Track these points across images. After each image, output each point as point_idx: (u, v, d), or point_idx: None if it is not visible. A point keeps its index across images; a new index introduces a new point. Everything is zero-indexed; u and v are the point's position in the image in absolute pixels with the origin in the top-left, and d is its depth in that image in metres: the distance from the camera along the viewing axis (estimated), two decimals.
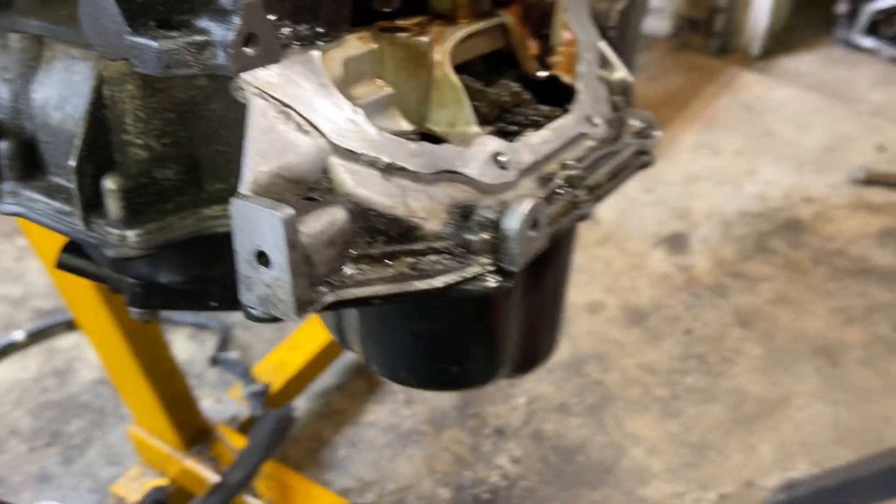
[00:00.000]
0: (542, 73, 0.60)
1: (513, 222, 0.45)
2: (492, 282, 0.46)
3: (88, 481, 1.94)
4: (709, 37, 3.39)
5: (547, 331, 0.66)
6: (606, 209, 2.71)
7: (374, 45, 0.52)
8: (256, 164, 0.41)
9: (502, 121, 0.59)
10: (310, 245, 0.41)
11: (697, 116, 3.20)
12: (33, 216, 0.53)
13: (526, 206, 0.45)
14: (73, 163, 0.48)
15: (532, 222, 0.46)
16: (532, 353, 0.66)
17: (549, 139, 0.56)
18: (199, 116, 0.50)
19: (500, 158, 0.52)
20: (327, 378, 2.19)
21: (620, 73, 0.67)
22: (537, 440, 2.00)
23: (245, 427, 1.78)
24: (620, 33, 0.69)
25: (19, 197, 0.54)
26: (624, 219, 2.69)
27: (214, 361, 2.08)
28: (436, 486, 1.91)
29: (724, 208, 2.71)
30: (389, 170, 0.46)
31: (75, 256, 0.61)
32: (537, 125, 0.59)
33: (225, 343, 2.22)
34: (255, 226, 0.39)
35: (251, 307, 0.43)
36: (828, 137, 3.05)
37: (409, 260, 0.46)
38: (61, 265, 0.62)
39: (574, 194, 0.53)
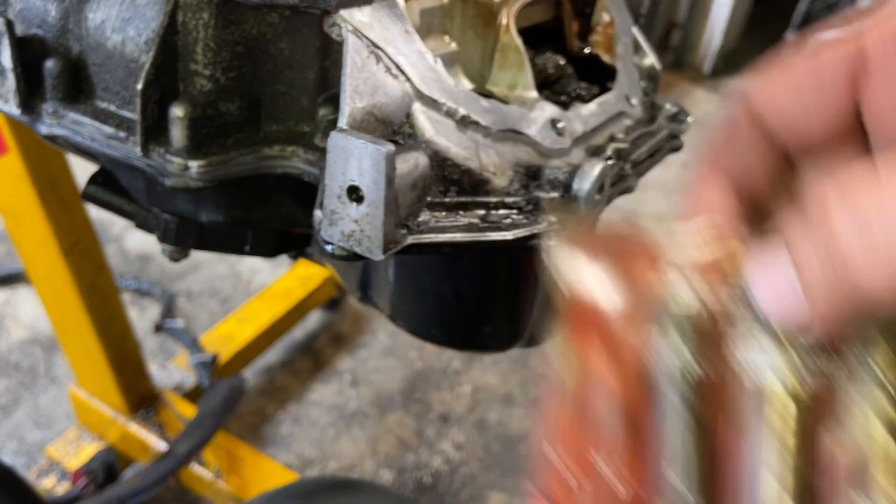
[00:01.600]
0: (587, 50, 0.62)
1: (584, 183, 0.46)
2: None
3: (14, 443, 1.87)
4: (664, 51, 3.49)
5: None
6: None
7: (445, 1, 0.53)
8: (353, 99, 0.41)
9: (548, 90, 0.61)
10: (398, 185, 0.41)
11: None
12: (78, 139, 0.51)
13: (597, 169, 0.46)
14: (139, 86, 0.47)
15: (600, 185, 0.47)
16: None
17: (596, 113, 0.58)
18: (266, 54, 0.50)
19: (557, 125, 0.53)
20: (272, 355, 2.16)
21: (650, 59, 0.69)
22: (481, 428, 2.02)
23: (190, 395, 1.75)
24: (649, 21, 0.72)
25: (63, 119, 0.52)
26: None
27: (159, 328, 2.02)
28: (378, 467, 1.92)
29: (671, 218, 2.80)
30: (464, 122, 0.47)
31: (103, 189, 0.59)
32: (582, 99, 0.60)
33: (169, 310, 2.16)
34: (353, 160, 0.39)
35: (331, 242, 0.43)
36: None
37: (480, 212, 0.47)
38: (87, 196, 0.60)
39: (622, 167, 0.55)
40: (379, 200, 0.40)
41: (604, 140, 0.57)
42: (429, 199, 0.45)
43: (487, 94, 0.54)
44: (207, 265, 2.43)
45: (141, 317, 2.23)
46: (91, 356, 1.48)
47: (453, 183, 0.46)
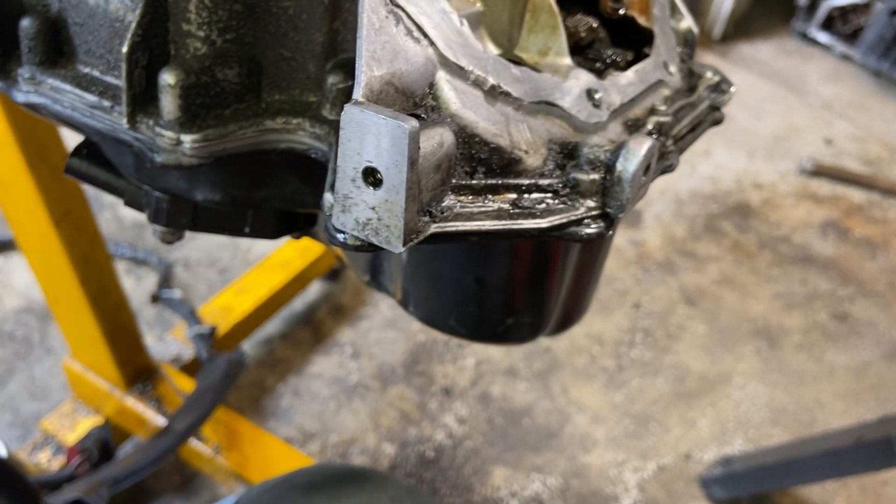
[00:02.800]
0: (621, 12, 0.56)
1: (631, 164, 0.41)
2: (593, 227, 0.42)
3: (9, 415, 1.83)
4: None
5: (590, 290, 0.63)
6: None
7: None
8: (370, 67, 0.36)
9: (579, 56, 0.55)
10: (420, 167, 0.36)
11: None
12: (58, 109, 0.45)
13: (645, 147, 0.41)
14: (124, 48, 0.41)
15: (647, 166, 0.42)
16: (571, 312, 0.63)
17: (634, 82, 0.52)
18: (268, 13, 0.44)
19: (594, 95, 0.47)
20: (272, 326, 2.12)
21: (687, 21, 0.63)
22: (484, 402, 1.99)
23: (188, 368, 1.70)
24: None
25: (41, 85, 0.46)
26: None
27: (155, 298, 1.97)
28: (380, 441, 1.88)
29: (677, 187, 2.74)
30: (494, 93, 0.42)
31: (88, 162, 0.54)
32: (617, 66, 0.54)
33: (167, 280, 2.11)
34: (370, 137, 0.34)
35: (343, 231, 0.37)
36: (779, 126, 3.12)
37: (511, 196, 0.41)
38: (70, 170, 0.54)
39: (663, 143, 0.49)
40: (400, 185, 0.34)
41: (643, 112, 0.51)
42: (454, 181, 0.40)
43: (516, 61, 0.48)
44: (205, 234, 2.37)
45: (137, 286, 2.18)
46: (85, 329, 1.44)
47: (481, 163, 0.41)
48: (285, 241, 2.12)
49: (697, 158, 2.89)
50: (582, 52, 0.55)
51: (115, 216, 2.40)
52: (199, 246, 2.33)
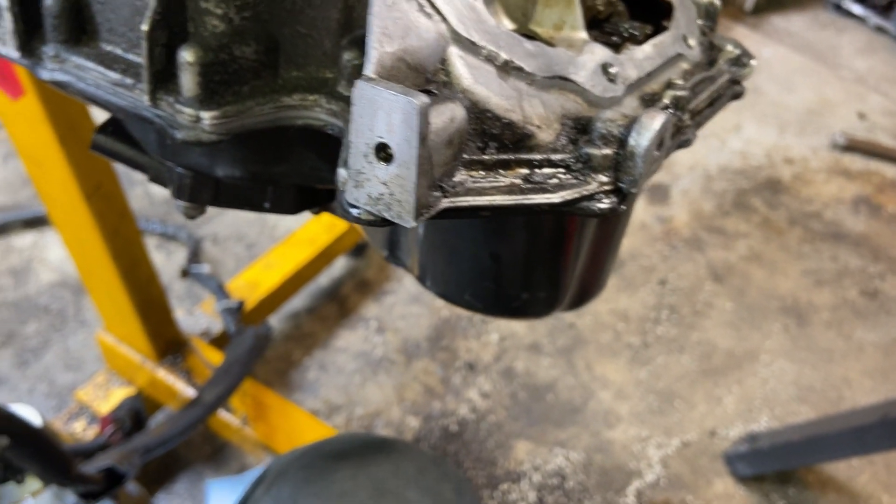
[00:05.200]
0: None
1: (643, 139, 0.41)
2: (605, 202, 0.42)
3: (44, 385, 1.88)
4: None
5: (607, 265, 0.63)
6: None
7: None
8: (381, 43, 0.36)
9: (596, 30, 0.54)
10: (432, 142, 0.36)
11: None
12: (82, 87, 0.47)
13: (658, 122, 0.41)
14: (144, 27, 0.42)
15: (660, 140, 0.42)
16: (588, 287, 0.63)
17: (652, 56, 0.52)
18: None
19: (609, 70, 0.47)
20: (298, 301, 2.15)
21: None
22: (508, 377, 2.00)
23: (217, 342, 1.74)
24: None
25: (65, 63, 0.47)
26: None
27: (185, 273, 2.01)
28: (405, 414, 1.91)
29: (706, 162, 2.71)
30: (506, 68, 0.42)
31: (113, 138, 0.55)
32: (635, 40, 0.54)
33: (196, 255, 2.15)
34: (382, 113, 0.34)
35: (356, 206, 0.38)
36: (811, 100, 3.06)
37: (524, 171, 0.42)
38: (96, 146, 0.55)
39: (680, 117, 0.49)
40: (411, 160, 0.35)
41: (660, 87, 0.51)
42: (465, 156, 0.40)
43: (531, 36, 0.48)
44: (233, 210, 2.40)
45: (168, 261, 2.22)
46: (117, 302, 1.47)
47: (493, 138, 0.41)
48: (310, 217, 2.14)
49: (727, 133, 2.85)
50: (599, 26, 0.55)
51: (146, 192, 2.44)
52: (227, 222, 2.37)
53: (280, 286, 1.92)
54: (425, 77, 0.39)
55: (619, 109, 0.47)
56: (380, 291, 2.20)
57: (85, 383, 1.71)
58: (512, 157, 0.41)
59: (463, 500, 0.72)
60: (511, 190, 0.40)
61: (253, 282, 1.90)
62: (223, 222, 2.36)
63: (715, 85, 0.55)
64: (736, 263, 2.33)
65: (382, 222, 0.38)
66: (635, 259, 2.34)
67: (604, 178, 0.42)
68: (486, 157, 0.41)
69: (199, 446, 1.77)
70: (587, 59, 0.47)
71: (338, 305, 2.16)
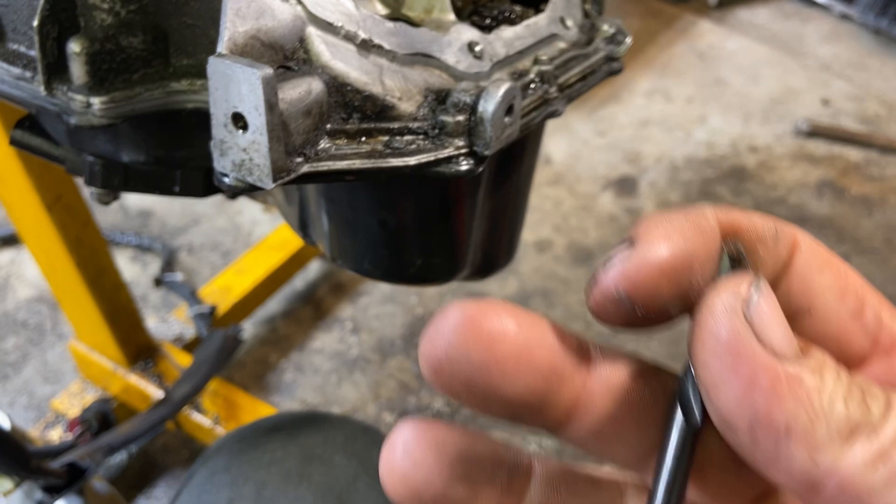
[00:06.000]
0: None
1: (489, 104, 0.45)
2: (464, 165, 0.46)
3: (25, 398, 1.92)
4: None
5: (507, 236, 0.67)
6: (558, 151, 2.73)
7: None
8: (234, 23, 0.40)
9: (476, 15, 0.59)
10: (286, 112, 0.41)
11: (653, 62, 3.22)
12: None
13: (501, 90, 0.45)
14: (35, 22, 0.46)
15: (507, 107, 0.46)
16: (491, 258, 0.67)
17: (523, 35, 0.56)
18: None
19: (475, 48, 0.51)
20: (273, 305, 2.18)
21: None
22: None
23: (191, 347, 1.77)
24: None
25: None
26: (576, 161, 2.72)
27: (158, 282, 2.05)
28: (381, 410, 1.94)
29: (673, 154, 2.76)
30: (366, 46, 0.46)
31: (30, 133, 0.59)
32: (511, 22, 0.58)
33: (169, 264, 2.18)
34: (233, 85, 0.39)
35: (225, 174, 0.42)
36: (776, 89, 3.12)
37: (384, 138, 0.46)
38: (14, 141, 0.59)
39: (546, 90, 0.54)
40: (262, 126, 0.39)
41: (530, 63, 0.55)
42: (329, 126, 0.44)
43: (401, 19, 0.52)
44: (207, 219, 2.44)
45: (143, 272, 2.26)
46: (85, 310, 1.51)
47: (356, 109, 0.45)
48: (282, 223, 2.18)
49: (692, 125, 2.90)
50: (479, 11, 0.59)
51: (120, 206, 2.47)
52: (202, 231, 2.40)
53: (252, 290, 1.96)
54: (284, 54, 0.43)
55: (477, 82, 0.51)
56: (354, 293, 2.24)
57: (60, 392, 1.74)
58: (374, 125, 0.46)
59: None
60: (371, 154, 0.44)
61: (225, 287, 1.94)
62: (198, 232, 2.40)
63: (588, 61, 0.59)
64: None
65: (248, 188, 0.42)
66: (605, 250, 2.38)
67: (459, 143, 0.46)
68: (349, 126, 0.45)
69: (176, 450, 1.81)
70: (453, 38, 0.51)
71: (313, 308, 2.20)
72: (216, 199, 2.51)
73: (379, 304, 2.21)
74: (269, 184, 0.41)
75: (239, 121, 0.40)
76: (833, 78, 3.20)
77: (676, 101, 3.02)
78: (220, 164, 0.42)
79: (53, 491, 1.01)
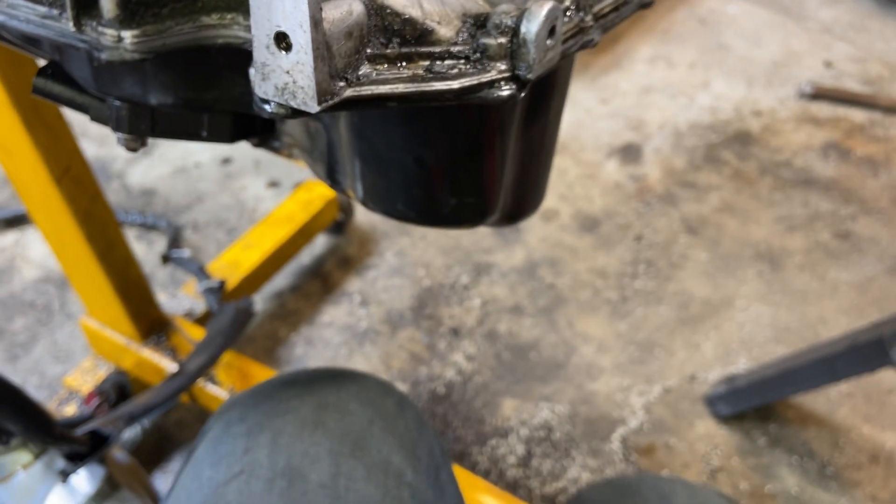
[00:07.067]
0: None
1: (532, 25, 0.44)
2: (506, 90, 0.46)
3: (36, 377, 1.91)
4: None
5: (537, 179, 0.66)
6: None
7: None
8: None
9: None
10: (329, 31, 0.40)
11: (654, 29, 3.20)
12: (14, 24, 0.49)
13: (545, 9, 0.44)
14: None
15: (550, 28, 0.45)
16: (521, 202, 0.66)
17: None
18: None
19: None
20: (281, 280, 2.18)
21: None
22: (491, 339, 2.04)
23: (201, 321, 1.77)
24: None
25: (1, 3, 0.50)
26: (580, 130, 2.70)
27: (166, 259, 2.04)
28: (392, 381, 1.94)
29: (676, 120, 2.74)
30: None
31: (52, 80, 0.58)
32: None
33: (176, 241, 2.17)
34: (277, 2, 0.38)
35: (266, 100, 0.41)
36: (778, 53, 3.10)
37: (425, 63, 0.45)
38: (37, 90, 0.58)
39: (581, 18, 0.52)
40: (307, 45, 0.38)
41: None
42: (369, 50, 0.44)
43: None
44: (211, 197, 2.43)
45: (149, 251, 2.25)
46: (97, 285, 1.50)
47: (395, 34, 0.44)
48: (286, 198, 2.17)
49: (696, 90, 2.88)
50: None
51: (123, 185, 2.46)
52: (206, 208, 2.39)
53: (260, 264, 1.95)
54: None
55: (516, 4, 0.50)
56: (361, 266, 2.24)
57: (73, 370, 1.74)
58: (413, 50, 0.45)
59: (405, 413, 0.76)
60: (413, 79, 0.44)
61: (233, 262, 1.93)
62: (202, 209, 2.39)
63: None
64: (709, 215, 2.37)
65: (293, 113, 0.41)
66: (611, 218, 2.38)
67: (502, 66, 0.45)
68: (389, 51, 0.44)
69: (190, 425, 1.81)
70: None
71: (321, 282, 2.19)
72: (219, 177, 2.50)
73: (387, 277, 2.20)
74: (313, 107, 0.40)
75: (282, 41, 0.39)
76: (835, 40, 3.18)
77: (678, 67, 3.00)
78: (262, 89, 0.41)
79: (76, 458, 1.01)
